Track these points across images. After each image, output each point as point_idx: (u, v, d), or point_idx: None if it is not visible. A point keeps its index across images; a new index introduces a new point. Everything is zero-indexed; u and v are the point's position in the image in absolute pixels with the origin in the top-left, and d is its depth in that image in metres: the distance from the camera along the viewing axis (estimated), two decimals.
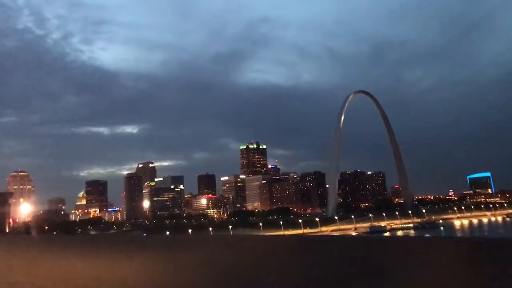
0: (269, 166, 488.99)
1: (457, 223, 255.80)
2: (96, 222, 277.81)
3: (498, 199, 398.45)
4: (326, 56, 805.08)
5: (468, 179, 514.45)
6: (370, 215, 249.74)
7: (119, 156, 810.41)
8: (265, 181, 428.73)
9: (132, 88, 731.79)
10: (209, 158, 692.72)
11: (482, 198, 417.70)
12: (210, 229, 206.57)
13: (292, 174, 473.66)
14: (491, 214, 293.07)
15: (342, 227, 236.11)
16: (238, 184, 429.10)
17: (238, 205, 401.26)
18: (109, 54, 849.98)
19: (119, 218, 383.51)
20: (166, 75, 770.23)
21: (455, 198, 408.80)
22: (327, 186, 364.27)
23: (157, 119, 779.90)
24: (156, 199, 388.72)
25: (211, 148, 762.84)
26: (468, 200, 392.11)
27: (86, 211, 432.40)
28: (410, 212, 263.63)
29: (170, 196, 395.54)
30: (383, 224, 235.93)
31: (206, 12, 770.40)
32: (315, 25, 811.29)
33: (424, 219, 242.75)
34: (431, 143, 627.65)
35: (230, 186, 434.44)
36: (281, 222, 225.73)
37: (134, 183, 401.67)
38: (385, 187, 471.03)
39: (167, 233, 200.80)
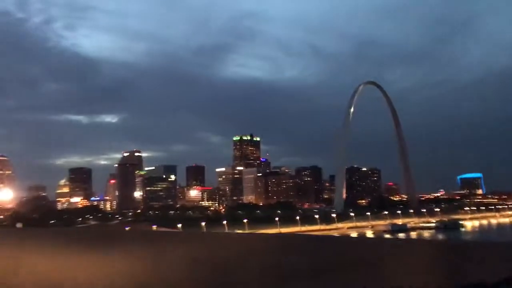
0: (261, 160, 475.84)
1: (468, 224, 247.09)
2: (90, 211, 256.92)
3: (496, 200, 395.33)
4: (309, 53, 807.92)
5: (459, 179, 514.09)
6: (385, 212, 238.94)
7: (97, 145, 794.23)
8: (260, 174, 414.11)
9: (113, 77, 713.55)
10: (188, 150, 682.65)
11: (479, 198, 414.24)
12: (225, 222, 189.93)
13: (283, 168, 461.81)
14: (500, 215, 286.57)
15: (358, 224, 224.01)
16: (235, 176, 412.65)
17: (234, 197, 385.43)
18: (92, 41, 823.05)
19: (109, 208, 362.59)
20: (149, 65, 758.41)
21: (458, 197, 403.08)
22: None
23: (138, 110, 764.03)
24: (149, 188, 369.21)
25: (190, 140, 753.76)
26: (467, 200, 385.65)
27: (69, 199, 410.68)
28: (424, 211, 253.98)
29: (164, 186, 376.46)
30: (400, 222, 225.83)
31: (191, 3, 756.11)
32: (299, 22, 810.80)
33: (444, 219, 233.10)
34: (417, 143, 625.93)
35: (226, 178, 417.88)
36: (297, 218, 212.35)
37: (126, 171, 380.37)
38: (380, 184, 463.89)
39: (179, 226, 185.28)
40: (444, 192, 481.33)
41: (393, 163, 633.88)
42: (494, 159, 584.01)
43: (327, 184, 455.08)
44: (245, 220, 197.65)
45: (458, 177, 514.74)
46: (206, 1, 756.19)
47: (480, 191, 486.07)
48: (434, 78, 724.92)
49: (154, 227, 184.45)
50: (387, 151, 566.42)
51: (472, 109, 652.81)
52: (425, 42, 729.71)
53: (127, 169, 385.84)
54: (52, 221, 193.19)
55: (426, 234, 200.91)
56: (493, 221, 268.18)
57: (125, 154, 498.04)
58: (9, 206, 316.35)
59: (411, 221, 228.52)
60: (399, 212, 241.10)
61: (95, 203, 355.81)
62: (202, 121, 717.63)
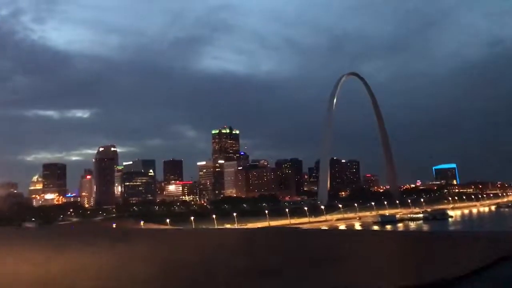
0: (240, 153, 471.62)
1: (451, 213, 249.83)
2: (69, 207, 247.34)
3: (472, 190, 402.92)
4: (286, 46, 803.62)
5: (433, 169, 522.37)
6: (372, 203, 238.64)
7: (68, 141, 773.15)
8: (241, 167, 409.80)
9: (85, 71, 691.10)
10: (163, 145, 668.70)
11: (456, 188, 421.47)
12: (214, 216, 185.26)
13: (262, 162, 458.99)
14: (480, 204, 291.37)
15: (346, 215, 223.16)
16: (217, 169, 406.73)
17: (216, 191, 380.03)
18: (63, 34, 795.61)
19: (86, 204, 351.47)
20: (122, 59, 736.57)
21: (435, 188, 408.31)
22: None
23: (110, 104, 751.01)
24: (128, 183, 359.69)
25: (166, 135, 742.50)
26: (445, 190, 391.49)
27: (43, 196, 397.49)
28: (409, 201, 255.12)
29: (143, 181, 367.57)
30: (387, 213, 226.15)
31: None
32: (276, 15, 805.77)
33: (431, 209, 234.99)
34: (392, 134, 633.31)
35: (207, 172, 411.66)
36: (286, 210, 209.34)
37: (104, 165, 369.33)
38: (359, 175, 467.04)
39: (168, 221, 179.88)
40: (420, 183, 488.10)
41: (370, 155, 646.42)
42: (467, 150, 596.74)
43: (305, 177, 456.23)
44: (234, 214, 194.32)
45: (433, 167, 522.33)
46: None
47: (454, 181, 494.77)
48: (409, 70, 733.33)
49: (142, 223, 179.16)
50: (364, 143, 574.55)
51: (446, 101, 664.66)
52: (399, 35, 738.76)
53: (105, 164, 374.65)
54: (33, 219, 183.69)
55: (413, 225, 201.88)
56: (474, 210, 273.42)
57: (101, 149, 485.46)
58: None
59: (399, 212, 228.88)
60: (385, 203, 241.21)
61: (72, 199, 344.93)
62: (177, 115, 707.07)
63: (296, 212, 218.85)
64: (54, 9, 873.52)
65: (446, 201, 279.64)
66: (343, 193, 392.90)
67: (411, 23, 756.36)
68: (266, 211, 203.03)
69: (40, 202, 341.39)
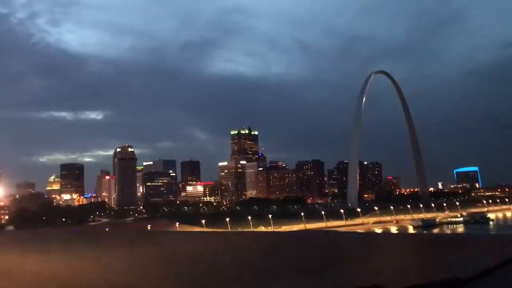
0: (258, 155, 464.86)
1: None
2: (96, 208, 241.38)
3: (498, 193, 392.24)
4: (297, 49, 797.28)
5: (455, 172, 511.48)
6: (408, 206, 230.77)
7: (81, 142, 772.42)
8: (261, 169, 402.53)
9: (98, 73, 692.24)
10: (173, 147, 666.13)
11: (481, 192, 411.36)
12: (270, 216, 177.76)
13: (281, 163, 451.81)
14: None
15: (382, 219, 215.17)
16: (239, 170, 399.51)
17: (238, 192, 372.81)
18: (77, 37, 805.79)
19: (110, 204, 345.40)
20: (135, 61, 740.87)
21: (460, 191, 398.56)
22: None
23: (123, 106, 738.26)
24: (149, 184, 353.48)
25: (176, 137, 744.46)
26: (473, 193, 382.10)
27: (59, 196, 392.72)
28: (444, 204, 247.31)
29: (165, 181, 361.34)
30: (423, 216, 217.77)
31: None
32: (287, 17, 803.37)
33: (465, 213, 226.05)
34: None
35: (229, 172, 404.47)
36: (322, 213, 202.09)
37: (126, 166, 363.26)
38: (381, 178, 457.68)
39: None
40: (442, 186, 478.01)
41: (390, 157, 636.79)
42: (488, 153, 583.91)
43: (325, 179, 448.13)
44: (270, 216, 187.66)
45: (454, 170, 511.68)
46: None
47: (476, 185, 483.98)
48: (422, 72, 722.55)
49: (177, 224, 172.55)
50: (384, 144, 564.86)
51: (463, 103, 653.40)
52: (412, 37, 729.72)
53: (127, 164, 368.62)
54: (64, 220, 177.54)
55: (460, 228, 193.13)
56: (508, 214, 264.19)
57: (118, 150, 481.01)
58: (1, 204, 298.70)
59: (437, 216, 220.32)
60: (421, 206, 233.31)
61: (92, 200, 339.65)
62: (188, 117, 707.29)
63: (330, 214, 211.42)
64: (69, 12, 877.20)
65: (479, 204, 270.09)
66: (366, 195, 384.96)
67: (423, 25, 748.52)
68: (302, 214, 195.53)
69: (61, 202, 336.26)
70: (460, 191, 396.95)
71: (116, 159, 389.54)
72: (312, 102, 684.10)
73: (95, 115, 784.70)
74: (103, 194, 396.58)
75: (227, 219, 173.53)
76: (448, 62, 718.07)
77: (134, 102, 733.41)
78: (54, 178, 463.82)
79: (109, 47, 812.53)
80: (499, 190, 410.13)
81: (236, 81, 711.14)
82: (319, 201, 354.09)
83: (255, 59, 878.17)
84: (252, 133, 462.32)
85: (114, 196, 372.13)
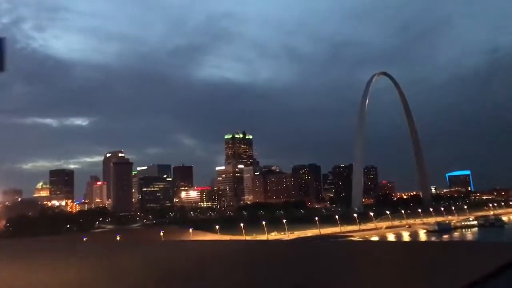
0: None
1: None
2: (98, 215, 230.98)
3: (494, 197, 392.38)
4: (285, 54, 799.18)
5: (447, 176, 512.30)
6: (419, 210, 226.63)
7: (66, 149, 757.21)
8: (258, 173, 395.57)
9: (85, 79, 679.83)
10: (161, 153, 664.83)
11: (477, 195, 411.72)
12: (284, 221, 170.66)
13: (274, 167, 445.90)
14: None
15: (394, 223, 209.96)
16: (236, 174, 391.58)
17: (235, 197, 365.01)
18: (63, 43, 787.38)
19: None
20: (122, 67, 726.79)
21: (455, 195, 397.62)
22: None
23: (109, 113, 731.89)
24: (145, 189, 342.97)
25: (164, 143, 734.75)
26: (472, 197, 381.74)
27: (48, 202, 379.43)
28: (453, 208, 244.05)
29: (161, 186, 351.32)
30: (432, 221, 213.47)
31: (167, 3, 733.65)
32: (275, 23, 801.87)
33: (472, 217, 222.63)
34: (402, 142, 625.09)
35: (227, 177, 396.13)
36: (336, 217, 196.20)
37: (122, 170, 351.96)
38: (377, 182, 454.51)
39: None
40: (434, 190, 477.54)
41: (383, 161, 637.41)
42: (479, 157, 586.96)
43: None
44: (284, 221, 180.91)
45: (447, 174, 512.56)
46: (182, 1, 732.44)
47: (468, 188, 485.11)
48: (409, 77, 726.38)
49: (190, 230, 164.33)
50: (379, 148, 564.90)
51: (448, 107, 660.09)
52: (399, 43, 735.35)
53: (123, 169, 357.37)
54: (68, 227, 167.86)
55: (469, 233, 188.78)
56: None
57: (108, 155, 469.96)
58: None
59: (450, 220, 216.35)
60: (431, 210, 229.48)
61: (85, 206, 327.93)
62: (175, 123, 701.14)
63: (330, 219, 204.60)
64: (55, 17, 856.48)
65: (486, 208, 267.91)
66: (364, 200, 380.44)
67: (410, 31, 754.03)
68: (316, 218, 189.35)
69: (53, 209, 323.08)
70: (456, 195, 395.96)
71: (111, 164, 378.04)
72: (299, 107, 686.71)
73: (81, 122, 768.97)
74: (96, 200, 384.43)
75: (242, 225, 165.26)
76: (435, 67, 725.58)
77: (121, 108, 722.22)
78: (42, 185, 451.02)
79: (97, 53, 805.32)
80: (495, 193, 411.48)
81: (224, 86, 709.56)
82: (316, 206, 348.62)
83: (243, 64, 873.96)
84: (247, 137, 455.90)
85: (108, 202, 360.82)
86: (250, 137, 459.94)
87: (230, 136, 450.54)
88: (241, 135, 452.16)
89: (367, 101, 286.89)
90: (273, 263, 9.82)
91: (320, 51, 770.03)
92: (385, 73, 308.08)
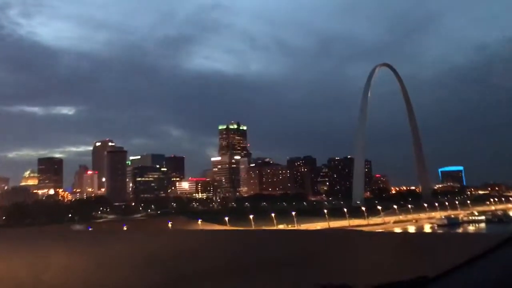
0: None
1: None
2: (94, 203, 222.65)
3: (488, 192, 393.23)
4: (275, 47, 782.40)
5: (439, 172, 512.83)
6: (425, 204, 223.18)
7: (52, 138, 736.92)
8: (253, 165, 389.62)
9: (72, 67, 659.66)
10: (149, 144, 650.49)
11: (472, 190, 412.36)
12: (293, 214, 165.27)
13: (267, 159, 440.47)
14: None
15: (402, 217, 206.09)
16: (233, 166, 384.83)
17: (231, 189, 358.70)
18: (50, 30, 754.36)
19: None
20: (110, 56, 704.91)
21: (451, 189, 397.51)
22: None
23: (96, 102, 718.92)
24: (140, 179, 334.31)
25: (150, 134, 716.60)
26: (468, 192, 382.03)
27: (39, 191, 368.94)
28: (457, 203, 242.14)
29: (156, 176, 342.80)
30: (432, 215, 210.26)
31: None
32: (266, 15, 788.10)
33: (476, 212, 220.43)
34: (391, 137, 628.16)
35: (223, 168, 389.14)
36: (345, 210, 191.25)
37: (116, 159, 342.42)
38: (371, 175, 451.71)
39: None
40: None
41: (377, 154, 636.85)
42: (470, 153, 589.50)
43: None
44: (293, 213, 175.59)
45: (439, 169, 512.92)
46: None
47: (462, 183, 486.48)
48: (400, 72, 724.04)
49: (199, 221, 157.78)
50: (371, 141, 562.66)
51: (439, 103, 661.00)
52: (389, 38, 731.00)
53: (117, 157, 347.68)
54: (69, 216, 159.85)
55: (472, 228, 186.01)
56: None
57: (98, 144, 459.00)
58: None
59: (455, 214, 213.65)
60: (436, 204, 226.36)
61: (78, 195, 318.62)
62: (163, 114, 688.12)
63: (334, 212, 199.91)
64: (42, 4, 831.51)
65: (488, 203, 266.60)
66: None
67: (400, 26, 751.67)
68: (325, 210, 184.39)
69: (44, 198, 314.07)
70: (450, 190, 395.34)
71: (104, 153, 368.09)
72: (292, 99, 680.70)
73: (67, 111, 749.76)
74: (88, 189, 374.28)
75: (251, 217, 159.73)
76: (426, 63, 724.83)
77: (108, 97, 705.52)
78: (29, 173, 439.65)
79: (84, 42, 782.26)
80: (489, 188, 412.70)
81: (214, 78, 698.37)
82: (312, 199, 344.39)
83: (233, 56, 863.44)
84: (241, 128, 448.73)
85: (100, 191, 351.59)
86: (245, 128, 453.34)
87: (224, 127, 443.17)
88: (235, 126, 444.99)
89: (369, 95, 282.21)
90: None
91: (310, 45, 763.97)
92: (387, 65, 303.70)
